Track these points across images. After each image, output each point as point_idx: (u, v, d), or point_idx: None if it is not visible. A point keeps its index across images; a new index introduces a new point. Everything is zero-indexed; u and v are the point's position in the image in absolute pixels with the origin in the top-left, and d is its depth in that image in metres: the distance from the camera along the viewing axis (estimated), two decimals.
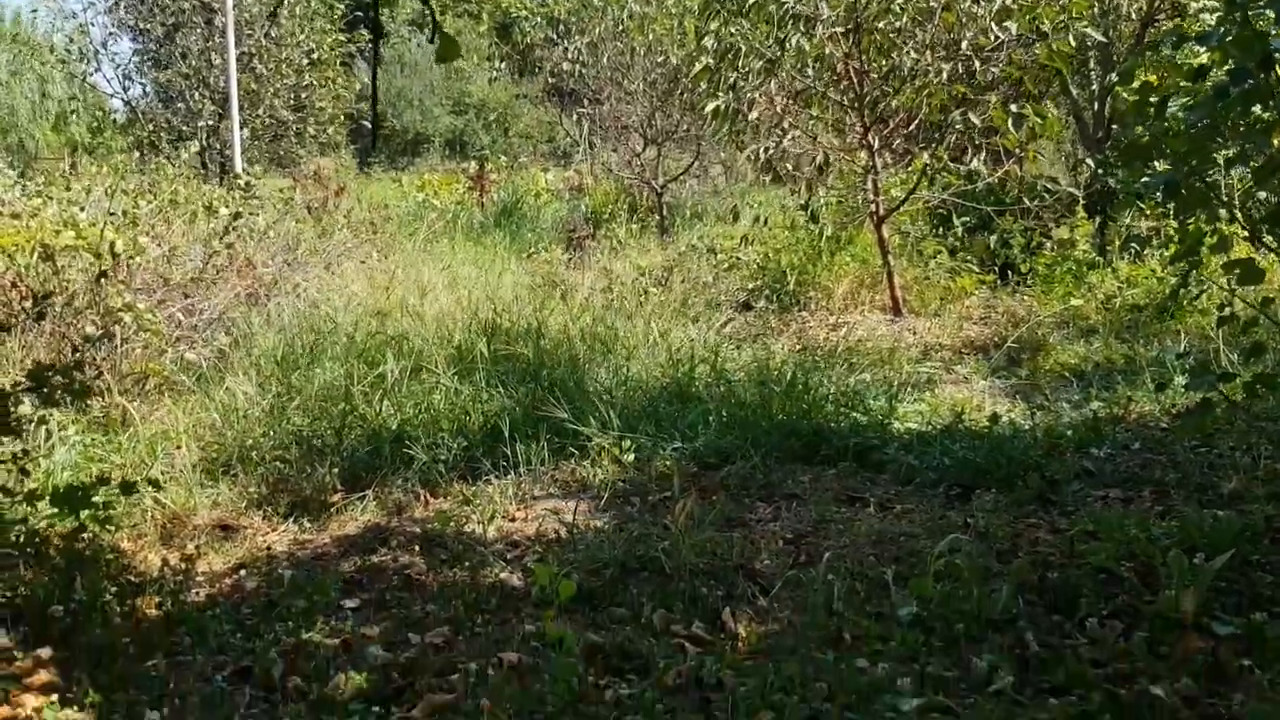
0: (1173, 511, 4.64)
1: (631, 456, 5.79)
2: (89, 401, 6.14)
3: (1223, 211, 4.80)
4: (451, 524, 4.98)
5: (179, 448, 5.98)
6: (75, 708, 3.20)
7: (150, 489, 4.40)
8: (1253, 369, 5.38)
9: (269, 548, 4.78)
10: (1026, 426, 6.17)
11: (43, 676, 3.36)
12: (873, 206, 9.84)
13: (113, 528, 4.49)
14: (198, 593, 4.23)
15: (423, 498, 5.43)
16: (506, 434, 5.95)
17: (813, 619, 3.81)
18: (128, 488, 4.12)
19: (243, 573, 4.50)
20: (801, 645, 3.63)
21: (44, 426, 4.86)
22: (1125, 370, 7.47)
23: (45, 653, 3.54)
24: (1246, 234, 5.03)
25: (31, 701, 3.19)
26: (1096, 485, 5.20)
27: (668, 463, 5.73)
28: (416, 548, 4.77)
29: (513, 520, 5.16)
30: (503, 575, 4.42)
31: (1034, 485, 5.14)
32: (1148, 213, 10.08)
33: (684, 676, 3.43)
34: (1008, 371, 7.98)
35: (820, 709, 3.17)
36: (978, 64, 9.15)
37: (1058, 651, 3.45)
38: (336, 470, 5.62)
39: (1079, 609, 3.76)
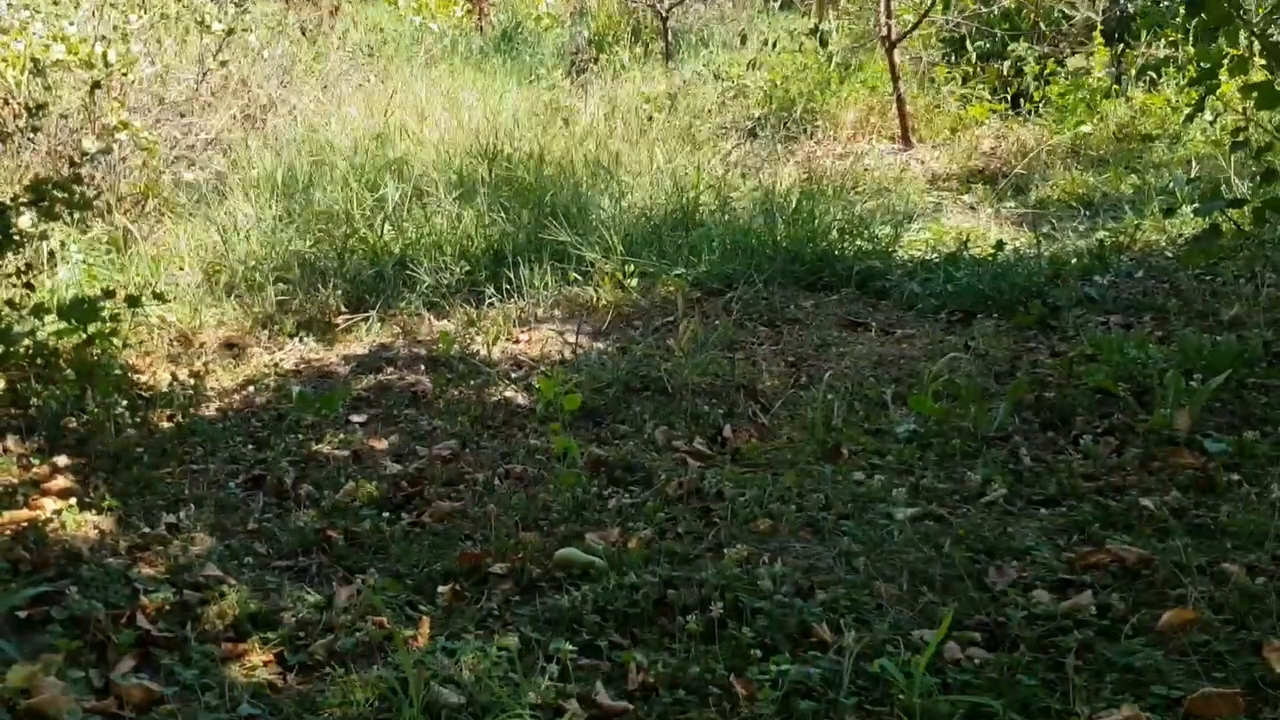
0: (1172, 336, 4.66)
1: (635, 281, 5.80)
2: (89, 221, 6.12)
3: (1243, 34, 4.66)
4: (456, 345, 5.02)
5: (181, 269, 5.99)
6: (93, 511, 3.29)
7: (156, 302, 4.41)
8: (1264, 195, 5.32)
9: (276, 365, 4.84)
10: (1031, 254, 6.14)
11: (60, 482, 3.45)
12: (884, 30, 9.55)
13: (120, 343, 4.53)
14: (208, 407, 4.30)
15: (427, 320, 5.46)
16: (509, 258, 5.95)
17: (811, 435, 3.88)
18: (133, 300, 4.13)
19: (251, 389, 4.56)
20: (800, 459, 3.71)
21: (45, 243, 4.84)
22: (1134, 200, 7.39)
23: (61, 460, 3.62)
24: (1265, 58, 4.89)
25: (50, 505, 3.27)
26: (1098, 311, 5.22)
27: (671, 287, 5.74)
28: (422, 367, 4.82)
29: (516, 342, 5.20)
30: (507, 393, 4.48)
31: (1035, 311, 5.15)
32: (1165, 39, 9.79)
33: (685, 487, 3.51)
34: (1015, 200, 7.90)
35: (817, 517, 3.26)
36: None
37: (1051, 466, 3.53)
38: (340, 292, 5.64)
39: (1074, 426, 3.82)
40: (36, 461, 3.62)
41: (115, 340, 4.23)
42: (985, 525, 3.12)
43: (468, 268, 5.94)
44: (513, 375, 4.72)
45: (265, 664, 2.58)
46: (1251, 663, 2.36)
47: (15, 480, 3.45)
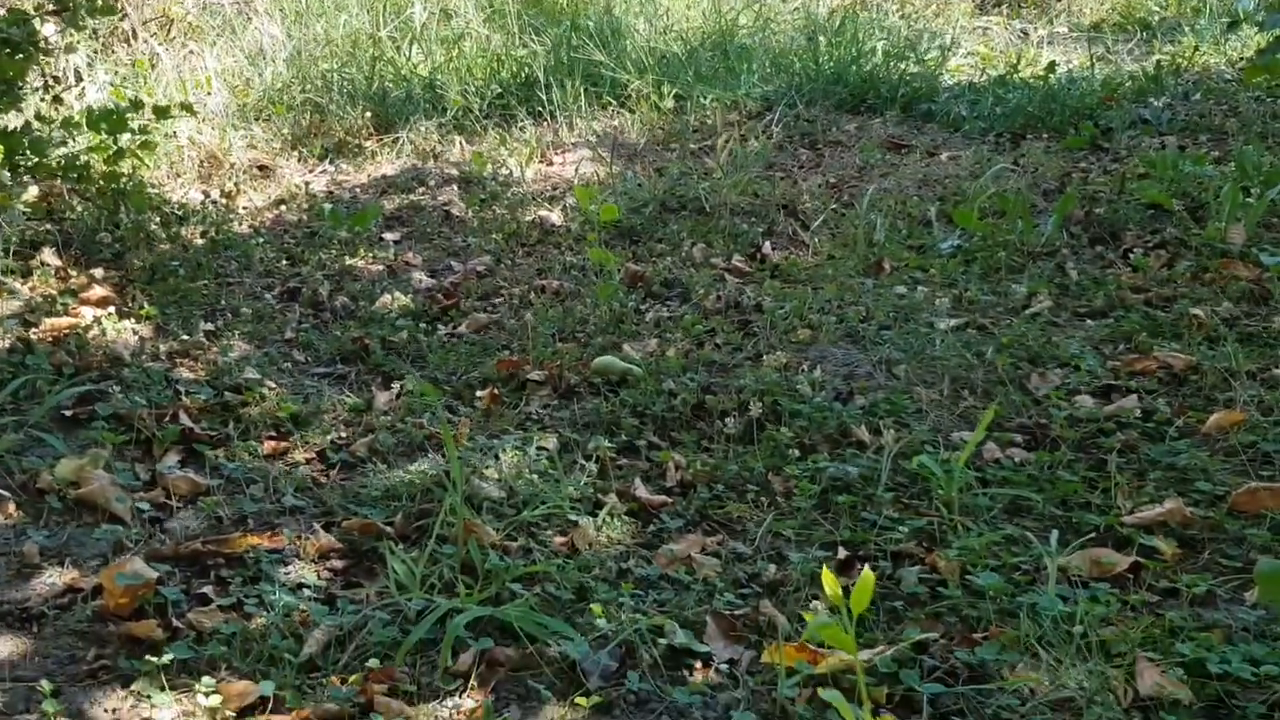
0: (1229, 156, 4.50)
1: (670, 103, 5.64)
2: (114, 45, 5.99)
3: None
4: (488, 166, 4.93)
5: (209, 92, 5.87)
6: (132, 319, 3.30)
7: (185, 114, 4.33)
8: None
9: (307, 185, 4.78)
10: (1084, 77, 5.90)
11: (98, 292, 3.45)
12: None
13: (151, 158, 4.48)
14: (240, 224, 4.27)
15: (458, 142, 5.35)
16: (541, 80, 5.79)
17: (853, 251, 3.81)
18: (161, 111, 4.06)
19: (283, 208, 4.52)
20: (840, 274, 3.65)
21: (71, 57, 4.75)
22: (1193, 22, 7.06)
23: (98, 272, 3.62)
24: None
25: (89, 313, 3.29)
26: (1152, 133, 5.04)
27: (708, 109, 5.58)
28: (454, 187, 4.75)
29: (549, 164, 5.11)
30: (541, 212, 4.41)
31: (1087, 133, 4.98)
32: None
33: (723, 301, 3.47)
34: (1069, 24, 7.57)
35: (857, 327, 3.21)
36: None
37: (1098, 280, 3.44)
38: (369, 115, 5.52)
39: (1124, 241, 3.72)
40: (74, 273, 3.62)
41: (146, 153, 4.17)
42: (1029, 335, 3.07)
43: (498, 90, 5.79)
44: (547, 195, 4.64)
45: (307, 461, 2.61)
46: None
47: (54, 291, 3.46)
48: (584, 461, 2.54)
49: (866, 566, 1.15)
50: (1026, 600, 1.93)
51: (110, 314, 3.29)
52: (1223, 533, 2.14)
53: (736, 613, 1.99)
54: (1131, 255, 3.58)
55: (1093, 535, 2.15)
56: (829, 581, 1.13)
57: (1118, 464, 2.38)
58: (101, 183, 3.91)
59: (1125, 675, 1.73)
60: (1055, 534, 2.04)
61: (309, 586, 2.09)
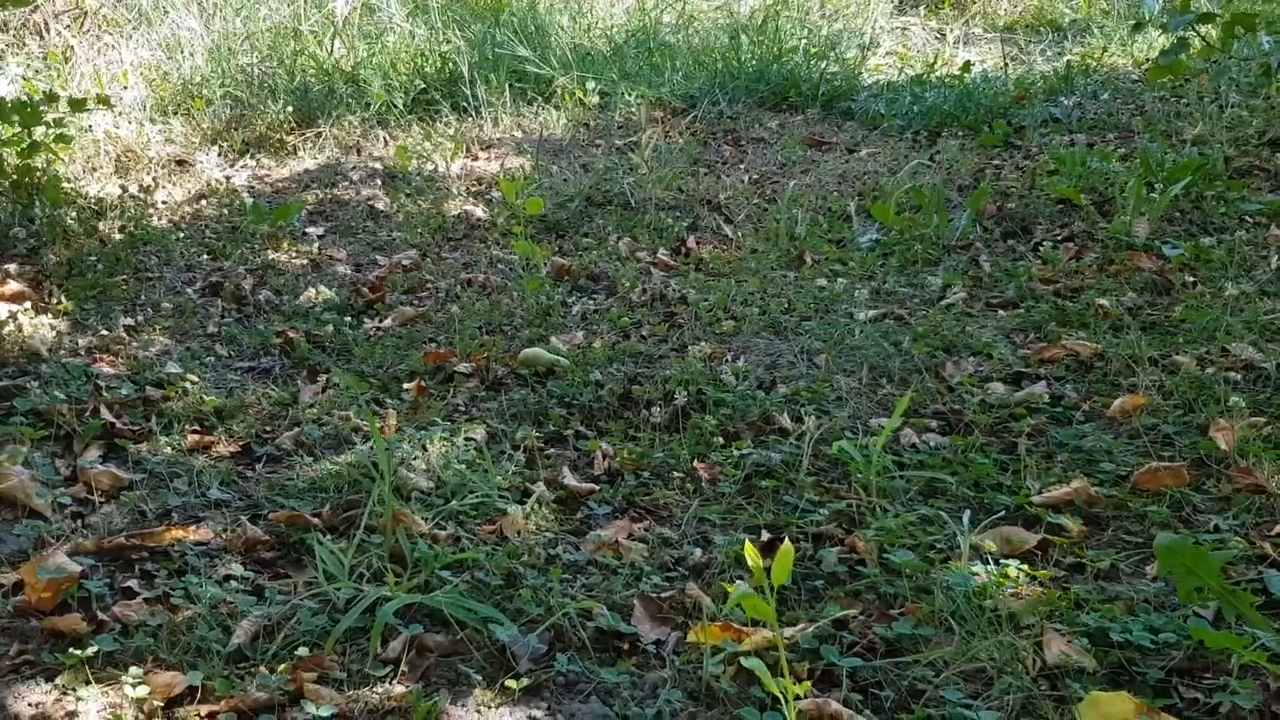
0: (1135, 153, 4.66)
1: (596, 99, 5.67)
2: (25, 38, 5.85)
3: None
4: (413, 160, 4.92)
5: (125, 86, 5.76)
6: (49, 315, 3.24)
7: (101, 107, 4.25)
8: (1233, 9, 5.26)
9: (228, 179, 4.72)
10: (998, 76, 6.07)
11: (13, 287, 3.38)
12: None
13: (66, 154, 4.39)
14: (159, 219, 4.21)
15: (381, 137, 5.33)
16: (466, 76, 5.78)
17: (775, 245, 3.88)
18: (77, 104, 3.98)
19: (203, 202, 4.46)
20: (763, 267, 3.72)
21: None
22: (1102, 25, 7.29)
23: (12, 268, 3.55)
24: None
25: (4, 309, 3.22)
26: (1062, 131, 5.20)
27: (633, 106, 5.62)
28: (378, 182, 4.74)
29: (474, 159, 5.11)
30: (467, 207, 4.42)
31: (1000, 130, 5.13)
32: None
33: (649, 294, 3.51)
34: (983, 25, 7.76)
35: (779, 318, 3.28)
36: None
37: (1010, 271, 3.56)
38: (290, 109, 5.47)
39: (1034, 235, 3.85)
40: None
41: (61, 147, 4.09)
42: (944, 325, 3.16)
43: (422, 86, 5.77)
44: (472, 191, 4.65)
45: (232, 455, 2.59)
46: (1198, 442, 2.44)
47: None
48: (512, 451, 2.57)
49: (786, 540, 1.20)
50: (940, 577, 2.00)
51: (26, 309, 3.23)
52: (1126, 510, 2.24)
53: (663, 595, 2.03)
54: (1041, 248, 3.70)
55: (1003, 515, 2.23)
56: (751, 554, 1.18)
57: (1027, 447, 2.47)
58: (15, 176, 3.83)
59: (1033, 646, 1.81)
60: (967, 514, 2.12)
61: (236, 578, 2.08)
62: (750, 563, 1.19)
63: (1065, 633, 1.83)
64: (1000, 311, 3.30)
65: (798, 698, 1.52)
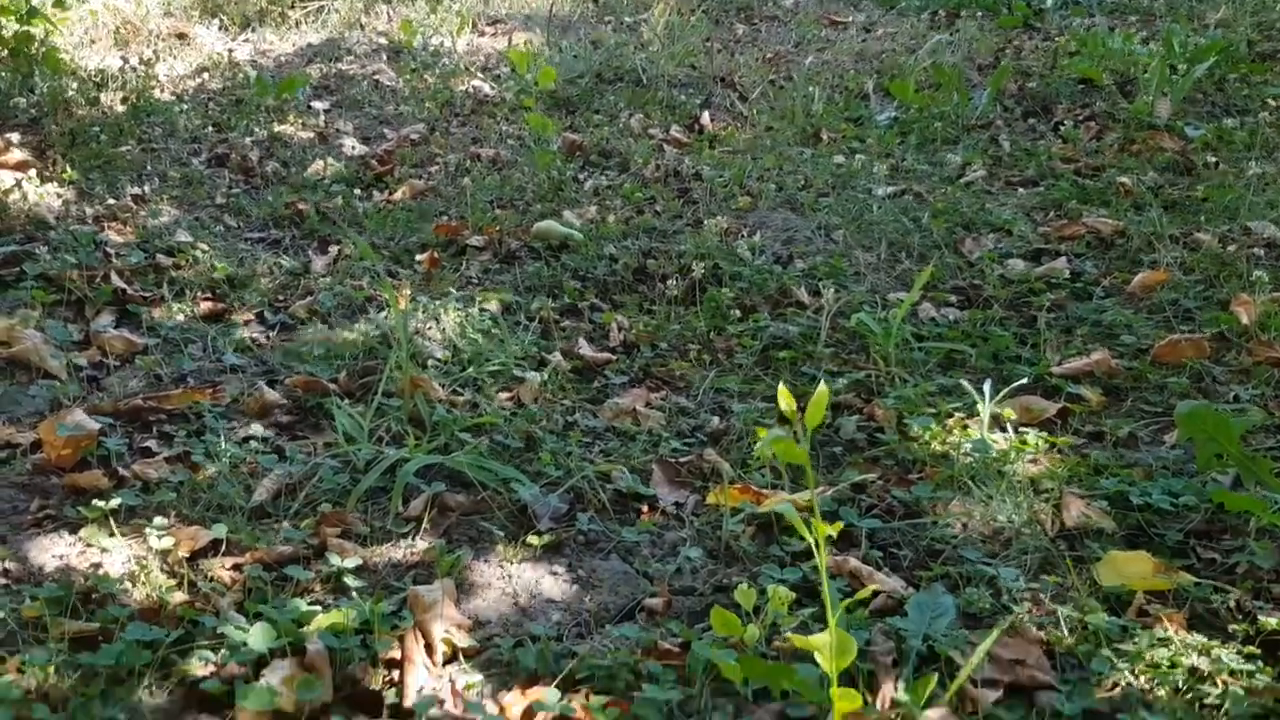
0: (1157, 36, 4.56)
1: None
2: None
3: None
4: (418, 35, 4.81)
5: None
6: (54, 183, 3.19)
7: None
8: None
9: (229, 53, 4.61)
10: None
11: (16, 156, 3.32)
12: None
13: (64, 24, 4.28)
14: (161, 91, 4.12)
15: (384, 12, 5.20)
16: None
17: (791, 121, 3.81)
18: None
19: (205, 75, 4.37)
20: (779, 144, 3.65)
21: None
22: None
23: (15, 137, 3.48)
24: None
25: (9, 177, 3.17)
26: (1082, 14, 5.08)
27: None
28: (383, 57, 4.63)
29: (481, 34, 4.99)
30: (475, 82, 4.33)
31: (1020, 11, 5.01)
32: None
33: (663, 170, 3.46)
34: None
35: (796, 194, 3.24)
36: None
37: (1030, 150, 3.50)
38: None
39: (1055, 114, 3.78)
40: None
41: (59, 15, 3.98)
42: (963, 202, 3.12)
43: None
44: (480, 66, 4.55)
45: (245, 323, 2.58)
46: (1218, 316, 2.42)
47: None
48: (527, 322, 2.55)
49: (821, 381, 1.19)
50: (959, 443, 2.00)
51: (31, 177, 3.18)
52: (1145, 382, 2.23)
53: (681, 460, 2.03)
54: (1062, 127, 3.64)
55: (1023, 385, 2.22)
56: (785, 396, 1.17)
57: (1047, 321, 2.46)
58: (13, 44, 3.73)
59: (1052, 509, 1.82)
60: (989, 383, 2.11)
61: (256, 439, 2.08)
62: (782, 405, 1.18)
63: (1084, 496, 1.84)
64: (1020, 190, 3.25)
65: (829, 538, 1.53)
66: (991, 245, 2.87)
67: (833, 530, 1.19)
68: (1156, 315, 2.48)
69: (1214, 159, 3.32)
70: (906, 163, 3.43)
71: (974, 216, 3.03)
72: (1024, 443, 2.00)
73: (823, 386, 1.17)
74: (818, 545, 1.21)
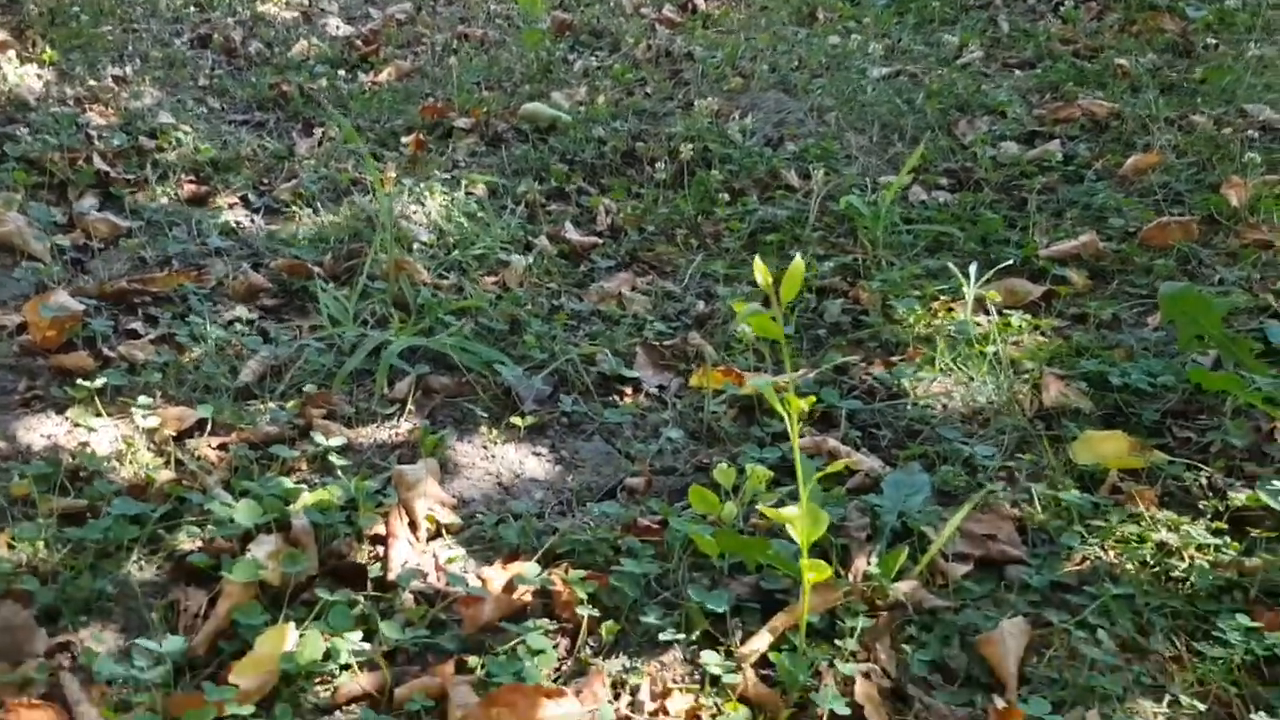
0: None
1: None
2: None
3: None
4: None
5: None
6: (34, 65, 3.13)
7: None
8: None
9: None
10: None
11: None
12: None
13: None
14: None
15: None
16: None
17: (786, 1, 3.72)
18: None
19: None
20: (773, 24, 3.58)
21: None
22: None
23: None
24: None
25: None
26: None
27: None
28: None
29: None
30: None
31: None
32: None
33: (654, 50, 3.39)
34: None
35: (789, 75, 3.18)
36: None
37: (1029, 32, 3.43)
38: None
39: None
40: None
41: None
42: (959, 83, 3.07)
43: None
44: None
45: (230, 206, 2.56)
46: (1209, 199, 2.40)
47: None
48: (513, 206, 2.53)
49: (797, 255, 1.18)
50: (943, 325, 2.00)
51: (10, 58, 3.12)
52: (1131, 264, 2.23)
53: (666, 343, 2.04)
54: (1061, 8, 3.56)
55: (1010, 268, 2.22)
56: (760, 270, 1.17)
57: (1037, 203, 2.44)
58: None
59: (1032, 389, 1.83)
60: (974, 266, 2.10)
61: (241, 321, 2.08)
62: (759, 278, 1.17)
63: (1064, 377, 1.85)
64: (1017, 71, 3.19)
65: (802, 418, 1.55)
66: (985, 128, 2.83)
67: (805, 404, 1.20)
68: (1147, 198, 2.46)
69: (1214, 40, 3.25)
70: (903, 43, 3.36)
71: (969, 98, 2.98)
72: (1007, 325, 2.01)
73: (798, 260, 1.16)
74: (791, 420, 1.22)
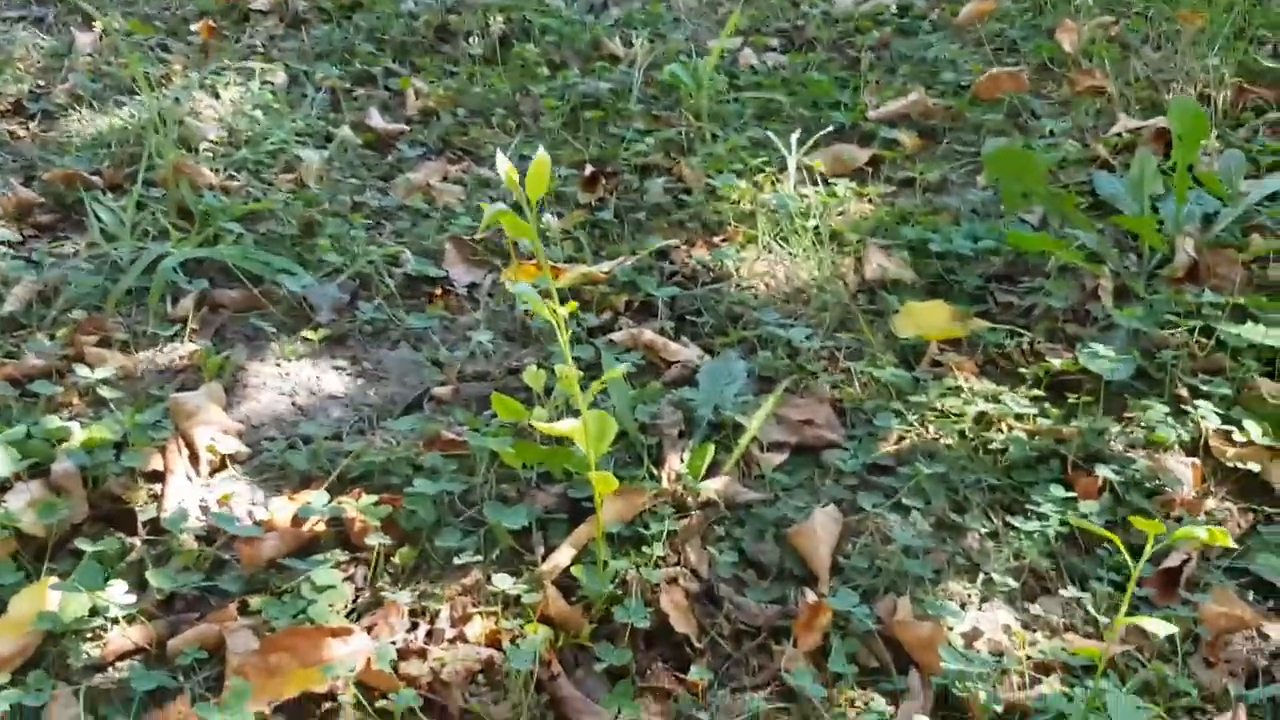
0: None
1: None
2: None
3: None
4: None
5: None
6: None
7: None
8: None
9: None
10: None
11: None
12: None
13: None
14: None
15: None
16: None
17: None
18: None
19: None
20: None
21: None
22: None
23: None
24: None
25: None
26: None
27: None
28: None
29: None
30: None
31: None
32: None
33: None
34: None
35: None
36: None
37: None
38: None
39: None
40: None
41: None
42: None
43: None
44: None
45: (2, 114, 2.31)
46: (1044, 45, 2.32)
47: None
48: (314, 94, 2.33)
49: (541, 149, 1.06)
50: (766, 200, 1.91)
51: None
52: (962, 121, 2.15)
53: (477, 238, 1.91)
54: None
55: (838, 132, 2.12)
56: (508, 170, 1.04)
57: (869, 61, 2.34)
58: None
59: (854, 262, 1.75)
60: (795, 134, 2.00)
61: (7, 244, 1.89)
62: (504, 177, 1.05)
63: (886, 246, 1.77)
64: None
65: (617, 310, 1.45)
66: None
67: (566, 310, 1.09)
68: (982, 49, 2.37)
69: None
70: None
71: None
72: (833, 195, 1.92)
73: (542, 153, 1.04)
74: (560, 327, 1.11)
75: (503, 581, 1.24)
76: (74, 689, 1.14)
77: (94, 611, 1.23)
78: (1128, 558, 1.06)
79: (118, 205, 1.92)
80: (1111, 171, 1.92)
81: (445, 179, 2.09)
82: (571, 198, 1.99)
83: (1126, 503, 1.35)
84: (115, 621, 1.22)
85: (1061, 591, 1.26)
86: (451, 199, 2.02)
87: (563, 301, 1.11)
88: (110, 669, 1.20)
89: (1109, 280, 1.67)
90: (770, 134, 2.06)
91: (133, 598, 1.23)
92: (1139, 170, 1.77)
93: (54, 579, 1.25)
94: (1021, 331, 1.60)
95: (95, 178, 2.06)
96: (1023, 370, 1.55)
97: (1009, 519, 1.35)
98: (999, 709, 1.11)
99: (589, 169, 2.07)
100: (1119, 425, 1.45)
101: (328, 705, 1.15)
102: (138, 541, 1.33)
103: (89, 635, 1.23)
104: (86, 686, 1.14)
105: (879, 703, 1.13)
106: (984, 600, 1.27)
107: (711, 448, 1.38)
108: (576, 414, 1.18)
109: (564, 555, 1.29)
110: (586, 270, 1.77)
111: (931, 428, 1.47)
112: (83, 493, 1.39)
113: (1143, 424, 1.45)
